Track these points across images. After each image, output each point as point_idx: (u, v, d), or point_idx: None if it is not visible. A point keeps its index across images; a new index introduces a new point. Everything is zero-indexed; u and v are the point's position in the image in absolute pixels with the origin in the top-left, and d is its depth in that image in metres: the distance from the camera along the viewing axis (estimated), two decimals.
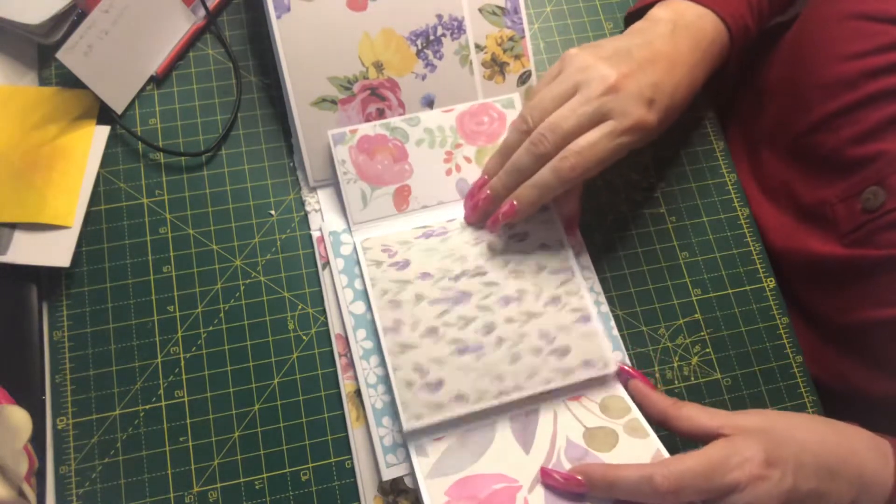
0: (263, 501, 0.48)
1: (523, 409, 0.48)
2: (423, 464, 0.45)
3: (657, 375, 0.54)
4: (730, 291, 0.57)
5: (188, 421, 0.49)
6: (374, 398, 0.49)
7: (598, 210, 0.58)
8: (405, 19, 0.54)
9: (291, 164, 0.56)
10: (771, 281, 0.58)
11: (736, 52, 0.55)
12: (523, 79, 0.57)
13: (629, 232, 0.58)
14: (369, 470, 0.49)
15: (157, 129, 0.55)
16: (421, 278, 0.50)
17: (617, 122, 0.47)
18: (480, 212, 0.52)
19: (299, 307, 0.52)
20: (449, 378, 0.47)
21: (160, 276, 0.52)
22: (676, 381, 0.54)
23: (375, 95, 0.54)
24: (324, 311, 0.52)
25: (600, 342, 0.49)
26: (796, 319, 0.58)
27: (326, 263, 0.53)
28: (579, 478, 0.43)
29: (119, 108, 0.54)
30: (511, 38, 0.57)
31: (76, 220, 0.50)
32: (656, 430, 0.47)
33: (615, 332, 0.53)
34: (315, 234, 0.54)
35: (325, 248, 0.53)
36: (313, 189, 0.55)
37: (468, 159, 0.54)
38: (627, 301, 0.56)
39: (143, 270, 0.52)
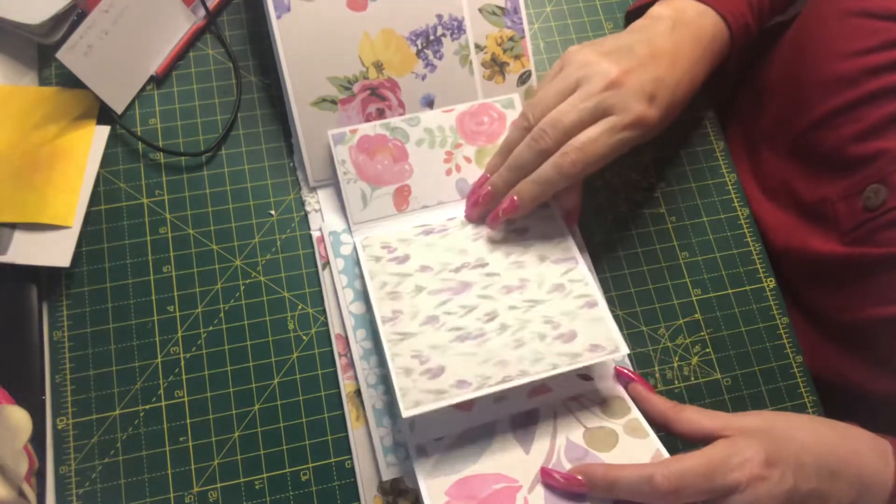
0: (263, 501, 0.48)
1: (523, 409, 0.48)
2: (423, 464, 0.45)
3: (657, 375, 0.54)
4: (730, 291, 0.57)
5: (188, 421, 0.49)
6: (374, 398, 0.49)
7: (598, 210, 0.58)
8: (405, 19, 0.54)
9: (291, 164, 0.56)
10: (771, 281, 0.58)
11: (736, 50, 0.55)
12: (523, 79, 0.57)
13: (629, 232, 0.58)
14: (369, 470, 0.49)
15: (157, 129, 0.55)
16: (420, 271, 0.49)
17: (618, 118, 0.47)
18: (481, 208, 0.52)
19: (299, 307, 0.52)
20: (450, 365, 0.45)
21: (160, 276, 0.52)
22: (676, 381, 0.54)
23: (375, 95, 0.54)
24: (324, 311, 0.52)
25: (609, 325, 0.47)
26: (797, 318, 0.58)
27: (326, 263, 0.53)
28: (579, 478, 0.43)
29: (119, 108, 0.54)
30: (511, 38, 0.57)
31: (76, 220, 0.50)
32: (656, 431, 0.47)
33: None
34: (315, 234, 0.54)
35: (325, 248, 0.53)
36: (313, 189, 0.55)
37: (468, 159, 0.54)
38: (627, 301, 0.56)
39: (143, 270, 0.51)
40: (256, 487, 0.48)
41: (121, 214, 0.53)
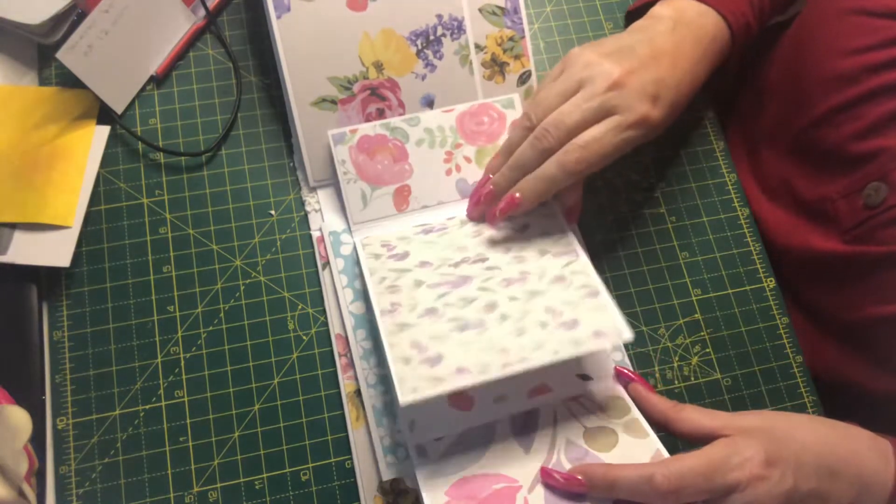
0: (263, 501, 0.48)
1: (523, 409, 0.48)
2: (423, 464, 0.45)
3: (657, 375, 0.54)
4: (730, 291, 0.57)
5: (188, 421, 0.49)
6: (374, 398, 0.49)
7: (598, 210, 0.58)
8: (405, 19, 0.54)
9: (291, 164, 0.56)
10: (771, 281, 0.58)
11: (737, 49, 0.55)
12: (523, 79, 0.57)
13: (629, 232, 0.58)
14: (369, 470, 0.49)
15: (157, 129, 0.55)
16: (420, 266, 0.49)
17: (622, 117, 0.47)
18: (482, 207, 0.52)
19: (299, 307, 0.52)
20: (449, 353, 0.44)
21: (160, 276, 0.52)
22: (676, 381, 0.54)
23: (375, 95, 0.54)
24: (324, 311, 0.52)
25: (612, 312, 0.45)
26: (797, 317, 0.58)
27: (326, 263, 0.53)
28: (579, 477, 0.43)
29: (119, 108, 0.54)
30: (511, 38, 0.57)
31: (76, 220, 0.50)
32: (656, 431, 0.47)
33: None
34: (315, 234, 0.54)
35: (325, 248, 0.53)
36: (313, 189, 0.55)
37: (468, 159, 0.54)
38: (627, 301, 0.56)
39: (143, 270, 0.52)
40: (256, 487, 0.48)
41: (121, 214, 0.53)
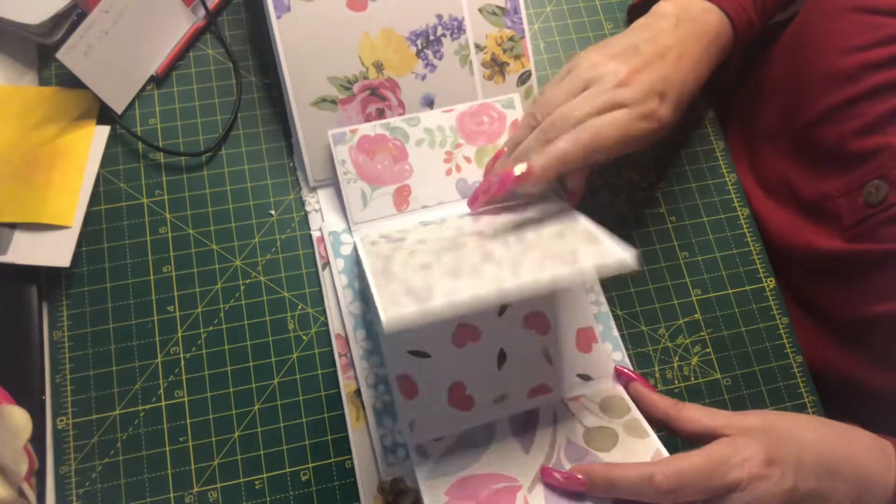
0: (263, 501, 0.48)
1: (523, 409, 0.48)
2: (423, 464, 0.45)
3: (657, 375, 0.54)
4: (730, 291, 0.57)
5: (188, 421, 0.49)
6: (374, 398, 0.49)
7: (599, 210, 0.58)
8: (405, 19, 0.54)
9: (291, 164, 0.56)
10: (771, 281, 0.58)
11: (740, 46, 0.55)
12: (523, 79, 0.57)
13: (629, 232, 0.58)
14: (369, 470, 0.49)
15: (157, 129, 0.55)
16: (416, 244, 0.47)
17: (631, 110, 0.47)
18: (484, 196, 0.50)
19: (299, 307, 0.52)
20: (438, 283, 0.40)
21: (160, 276, 0.52)
22: (676, 381, 0.54)
23: (375, 95, 0.54)
24: (324, 311, 0.52)
25: (613, 249, 0.42)
26: (798, 316, 0.58)
27: (326, 263, 0.53)
28: (580, 477, 0.43)
29: (119, 108, 0.54)
30: (511, 38, 0.57)
31: (76, 220, 0.50)
32: (656, 430, 0.47)
33: (615, 332, 0.53)
34: (315, 234, 0.54)
35: (325, 248, 0.53)
36: (313, 189, 0.55)
37: (468, 159, 0.54)
38: (627, 301, 0.56)
39: (143, 270, 0.51)
40: (256, 487, 0.48)
41: (121, 214, 0.53)
